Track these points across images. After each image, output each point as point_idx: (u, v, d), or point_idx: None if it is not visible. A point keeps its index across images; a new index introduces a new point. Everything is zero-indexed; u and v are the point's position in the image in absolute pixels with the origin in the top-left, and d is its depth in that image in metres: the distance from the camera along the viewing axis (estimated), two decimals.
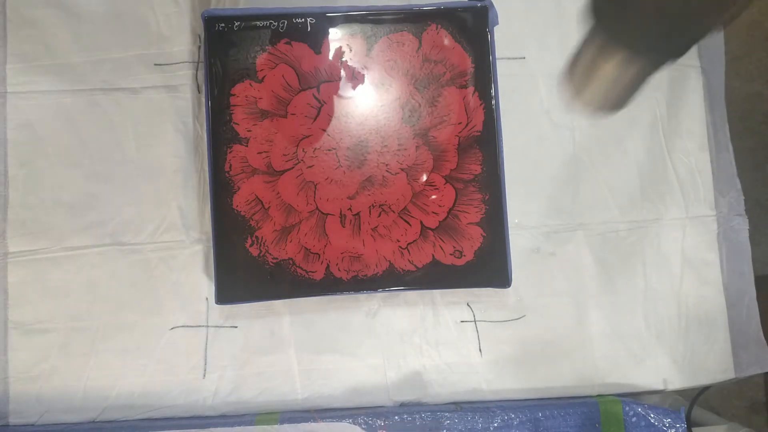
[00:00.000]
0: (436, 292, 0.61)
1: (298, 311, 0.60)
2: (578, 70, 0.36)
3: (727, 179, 0.65)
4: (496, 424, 0.57)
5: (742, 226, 0.65)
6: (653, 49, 0.31)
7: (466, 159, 0.57)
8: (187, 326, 0.59)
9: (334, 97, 0.57)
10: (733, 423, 0.63)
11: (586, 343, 0.61)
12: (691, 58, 0.65)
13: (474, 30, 0.57)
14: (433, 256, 0.57)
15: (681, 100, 0.65)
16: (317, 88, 0.57)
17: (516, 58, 0.63)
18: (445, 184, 0.57)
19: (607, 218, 0.63)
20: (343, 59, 0.57)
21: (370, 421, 0.56)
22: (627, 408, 0.58)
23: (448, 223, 0.57)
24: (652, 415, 0.57)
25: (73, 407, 0.58)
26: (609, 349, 0.62)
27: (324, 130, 0.57)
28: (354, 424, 0.56)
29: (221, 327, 0.59)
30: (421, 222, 0.57)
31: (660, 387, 0.62)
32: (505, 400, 0.60)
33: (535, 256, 0.62)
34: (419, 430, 0.55)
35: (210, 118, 0.55)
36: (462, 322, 0.61)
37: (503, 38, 0.62)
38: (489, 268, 0.57)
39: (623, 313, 0.62)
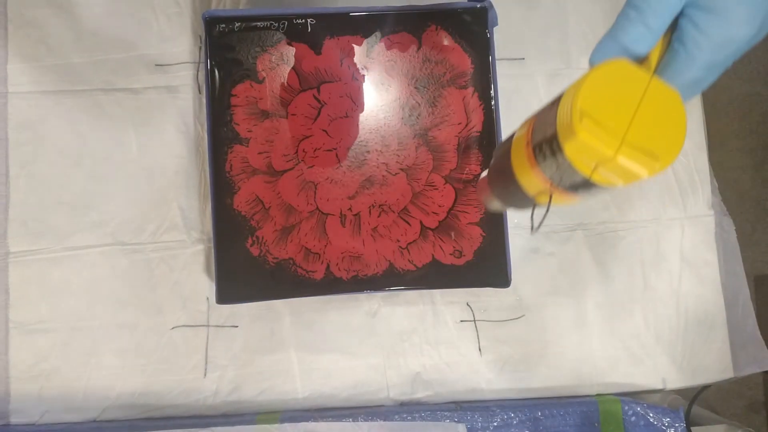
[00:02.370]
0: (436, 292, 0.61)
1: (299, 311, 0.60)
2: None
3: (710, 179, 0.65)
4: (495, 424, 0.57)
5: (730, 226, 0.65)
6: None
7: (466, 159, 0.58)
8: (188, 326, 0.59)
9: (334, 97, 0.57)
10: (731, 422, 0.63)
11: (585, 343, 0.62)
12: None
13: (474, 31, 0.57)
14: (432, 255, 0.57)
15: None
16: (317, 89, 0.57)
17: (516, 59, 0.64)
18: (444, 184, 0.57)
19: (606, 218, 0.63)
20: (343, 60, 0.57)
21: (369, 421, 0.56)
22: (626, 407, 0.58)
23: (447, 223, 0.57)
24: (651, 415, 0.58)
25: (74, 407, 0.58)
26: (608, 349, 0.62)
27: (324, 131, 0.57)
28: (354, 423, 0.56)
29: (222, 326, 0.59)
30: (421, 222, 0.57)
31: (659, 386, 0.62)
32: (505, 400, 0.61)
33: (535, 256, 0.62)
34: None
35: (211, 119, 0.56)
36: (462, 321, 0.61)
37: (503, 39, 0.63)
38: (488, 267, 0.57)
39: (622, 312, 0.62)
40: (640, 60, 0.32)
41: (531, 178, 0.36)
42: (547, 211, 0.38)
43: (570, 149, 0.31)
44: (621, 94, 0.30)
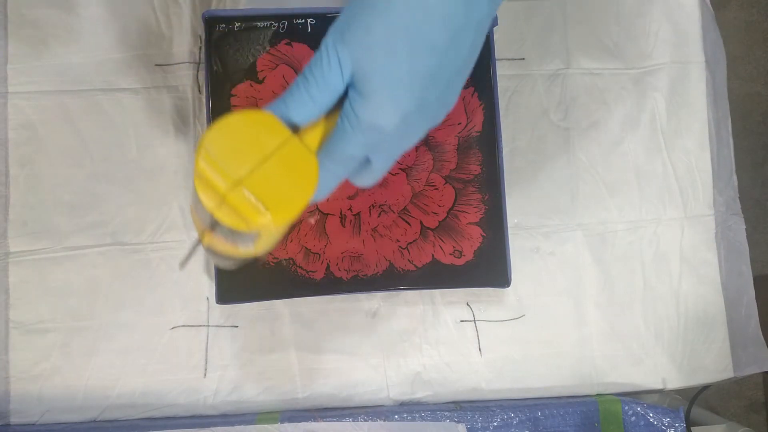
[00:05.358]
0: (436, 292, 0.61)
1: (299, 311, 0.60)
2: None
3: (726, 177, 0.65)
4: (495, 423, 0.57)
5: (739, 225, 0.65)
6: None
7: (466, 159, 0.58)
8: (188, 326, 0.59)
9: None
10: (731, 422, 0.63)
11: (585, 343, 0.62)
12: (695, 54, 0.65)
13: None
14: (432, 255, 0.57)
15: (682, 97, 0.65)
16: None
17: (516, 59, 0.64)
18: (444, 184, 0.57)
19: (606, 218, 0.63)
20: None
21: (370, 421, 0.56)
22: (626, 407, 0.58)
23: (447, 223, 0.57)
24: (651, 415, 0.58)
25: (74, 407, 0.58)
26: (608, 349, 0.62)
27: None
28: (354, 423, 0.56)
29: (222, 326, 0.59)
30: (421, 222, 0.57)
31: (659, 386, 0.62)
32: (505, 399, 0.61)
33: (535, 256, 0.62)
34: None
35: (211, 119, 0.56)
36: (462, 321, 0.61)
37: (503, 39, 0.63)
38: (489, 267, 0.57)
39: (622, 312, 0.62)
40: (297, 127, 0.33)
41: (195, 216, 0.37)
42: (194, 249, 0.38)
43: (195, 180, 0.31)
44: (255, 143, 0.31)
